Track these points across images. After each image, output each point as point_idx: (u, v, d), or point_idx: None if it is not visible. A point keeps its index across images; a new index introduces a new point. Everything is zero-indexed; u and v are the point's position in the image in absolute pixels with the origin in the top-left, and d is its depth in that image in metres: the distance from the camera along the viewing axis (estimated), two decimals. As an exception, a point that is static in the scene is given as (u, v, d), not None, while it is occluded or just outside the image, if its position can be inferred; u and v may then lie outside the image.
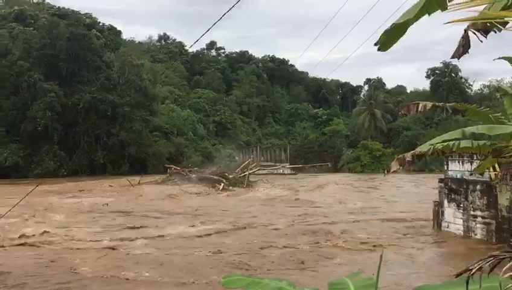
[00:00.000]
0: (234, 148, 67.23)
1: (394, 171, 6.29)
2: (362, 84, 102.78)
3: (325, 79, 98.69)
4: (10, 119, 48.14)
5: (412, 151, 6.10)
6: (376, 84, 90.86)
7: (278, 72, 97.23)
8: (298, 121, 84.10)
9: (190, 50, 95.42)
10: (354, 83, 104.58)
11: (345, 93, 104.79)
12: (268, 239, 13.78)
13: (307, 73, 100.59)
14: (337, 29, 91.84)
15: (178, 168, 39.52)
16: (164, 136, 58.55)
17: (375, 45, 3.68)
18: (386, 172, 7.26)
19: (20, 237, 13.81)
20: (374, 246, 12.63)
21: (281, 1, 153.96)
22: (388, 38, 3.51)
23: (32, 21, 59.76)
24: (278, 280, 2.37)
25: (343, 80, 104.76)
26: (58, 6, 62.48)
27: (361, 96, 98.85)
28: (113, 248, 12.52)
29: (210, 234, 14.61)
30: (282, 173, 55.61)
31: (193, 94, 76.44)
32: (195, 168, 40.05)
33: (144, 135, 53.54)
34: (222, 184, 32.90)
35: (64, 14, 57.76)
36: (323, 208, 21.53)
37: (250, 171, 38.84)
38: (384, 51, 3.65)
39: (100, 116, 51.43)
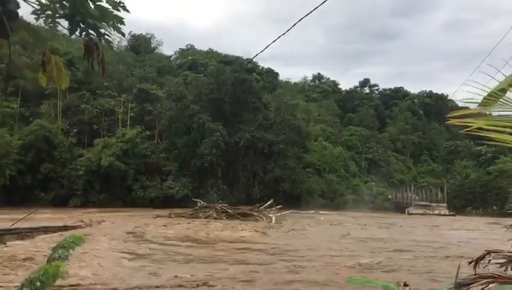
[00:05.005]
0: (387, 186, 65.91)
1: None
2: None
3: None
4: (182, 156, 54.39)
5: None
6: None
7: (436, 107, 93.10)
8: (458, 159, 78.88)
9: (343, 88, 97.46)
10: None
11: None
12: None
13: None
14: (506, 59, 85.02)
15: (205, 203, 40.71)
16: (316, 173, 60.22)
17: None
18: None
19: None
20: None
21: (445, 35, 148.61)
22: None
23: (203, 68, 67.96)
24: (387, 283, 3.09)
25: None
26: (225, 54, 70.00)
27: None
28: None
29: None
30: (438, 213, 53.00)
31: (345, 132, 77.41)
32: (225, 204, 40.46)
33: (297, 172, 55.75)
34: (272, 218, 34.29)
35: (229, 61, 64.46)
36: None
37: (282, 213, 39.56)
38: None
39: (258, 153, 55.18)
